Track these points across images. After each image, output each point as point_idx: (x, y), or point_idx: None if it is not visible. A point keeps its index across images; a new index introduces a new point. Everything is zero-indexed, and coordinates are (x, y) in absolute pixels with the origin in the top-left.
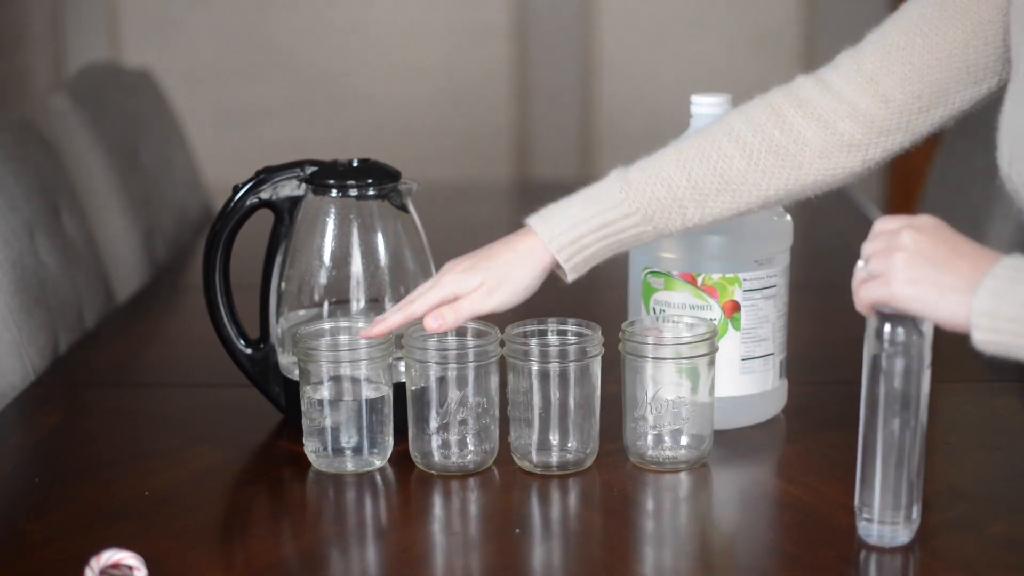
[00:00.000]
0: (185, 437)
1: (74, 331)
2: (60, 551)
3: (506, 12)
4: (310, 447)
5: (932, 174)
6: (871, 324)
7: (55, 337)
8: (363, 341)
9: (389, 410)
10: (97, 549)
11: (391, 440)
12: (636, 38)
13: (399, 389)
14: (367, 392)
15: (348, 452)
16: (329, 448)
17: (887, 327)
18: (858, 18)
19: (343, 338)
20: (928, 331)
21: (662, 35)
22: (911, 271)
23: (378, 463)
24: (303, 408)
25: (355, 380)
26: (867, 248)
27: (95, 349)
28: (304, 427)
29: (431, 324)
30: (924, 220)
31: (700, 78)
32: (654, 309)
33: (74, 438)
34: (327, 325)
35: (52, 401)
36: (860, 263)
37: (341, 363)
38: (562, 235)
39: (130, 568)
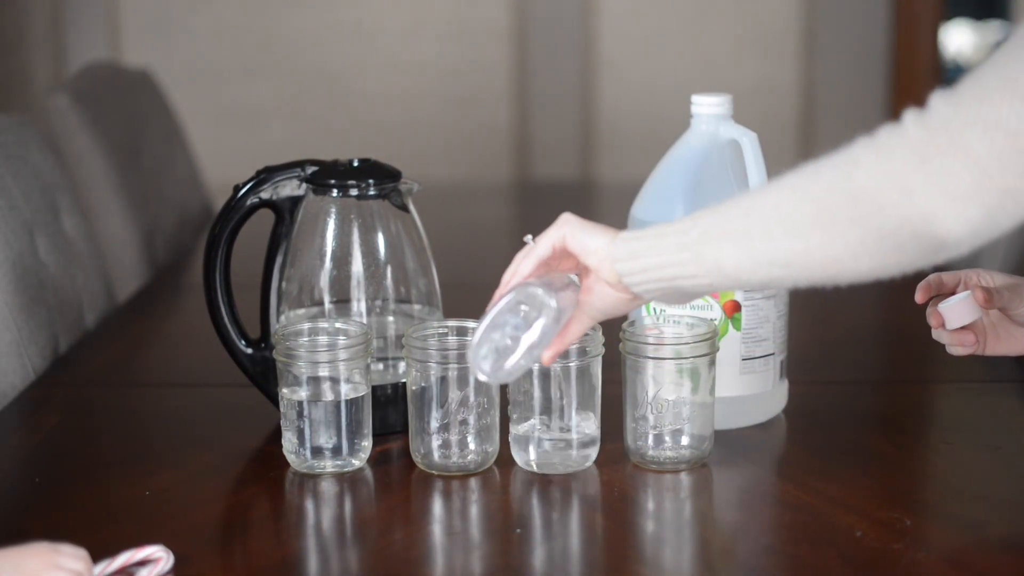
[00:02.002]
0: (185, 437)
1: (74, 331)
2: None
3: (506, 12)
4: (288, 448)
5: None
6: None
7: (55, 337)
8: (341, 341)
9: (368, 410)
10: (97, 549)
11: (370, 441)
12: (636, 38)
13: (378, 390)
14: (346, 392)
15: (327, 453)
16: (308, 449)
17: None
18: (858, 18)
19: (321, 338)
20: None
21: (662, 35)
22: (576, 216)
23: (357, 463)
24: (281, 409)
25: (334, 380)
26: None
27: (95, 349)
28: (283, 428)
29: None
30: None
31: (700, 78)
32: (655, 309)
33: (74, 438)
34: (305, 325)
35: (52, 401)
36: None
37: (319, 363)
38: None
39: (141, 563)
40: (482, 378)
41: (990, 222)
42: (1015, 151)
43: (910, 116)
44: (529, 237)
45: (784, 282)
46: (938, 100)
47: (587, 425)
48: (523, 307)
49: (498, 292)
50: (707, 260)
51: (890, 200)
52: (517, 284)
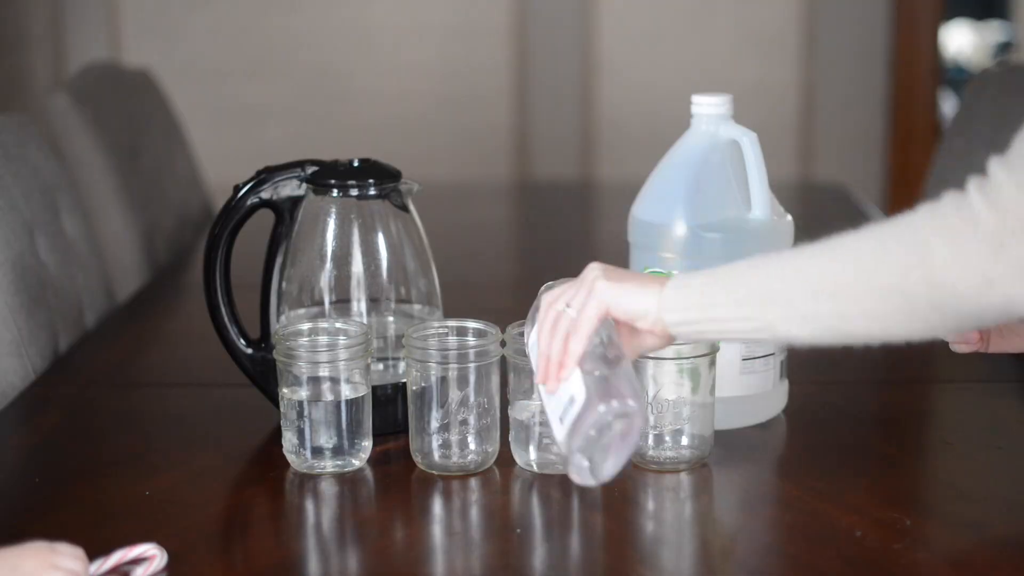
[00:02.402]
0: (185, 437)
1: (74, 331)
2: None
3: (506, 12)
4: (288, 448)
5: (932, 174)
6: None
7: (55, 337)
8: (341, 341)
9: (368, 410)
10: (97, 549)
11: (370, 441)
12: (636, 38)
13: (379, 390)
14: (346, 392)
15: (327, 453)
16: (308, 449)
17: None
18: (858, 18)
19: (321, 338)
20: None
21: (662, 35)
22: (608, 278)
23: (357, 463)
24: (281, 409)
25: (334, 380)
26: (549, 299)
27: (95, 349)
28: (283, 428)
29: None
30: (594, 264)
31: (700, 78)
32: None
33: (74, 438)
34: (305, 325)
35: (52, 401)
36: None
37: (319, 363)
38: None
39: (136, 561)
40: (590, 484)
41: None
42: None
43: (975, 193)
44: (551, 285)
45: (851, 345)
46: (999, 171)
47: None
48: (613, 422)
49: (543, 372)
50: (778, 332)
51: (971, 289)
52: (597, 385)
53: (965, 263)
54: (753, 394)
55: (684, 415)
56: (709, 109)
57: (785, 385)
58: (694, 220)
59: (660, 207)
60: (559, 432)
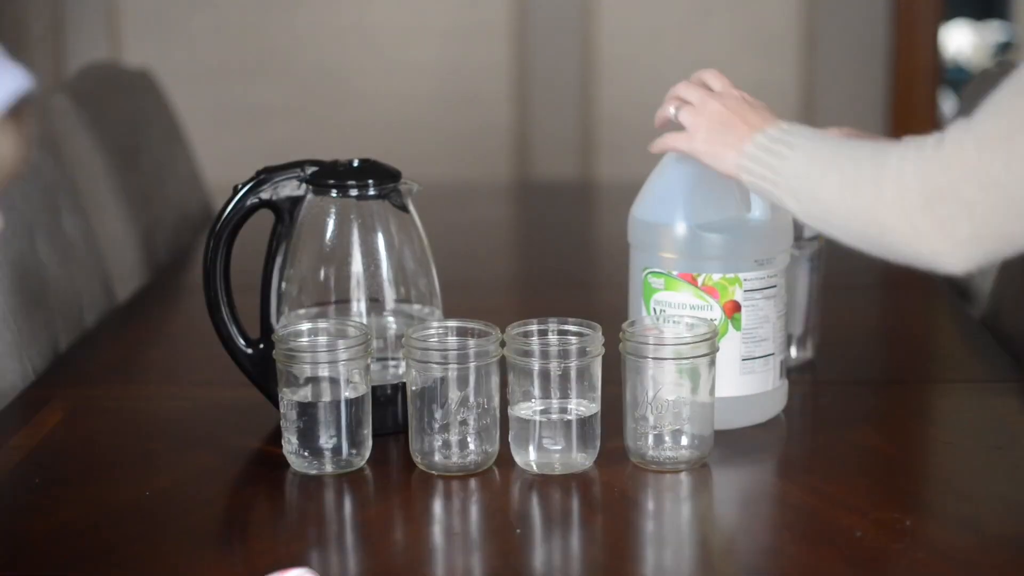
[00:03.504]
0: (185, 437)
1: (74, 331)
2: (60, 552)
3: (506, 12)
4: (288, 448)
5: None
6: None
7: (55, 337)
8: (341, 343)
9: (368, 410)
10: (97, 549)
11: (370, 441)
12: (636, 38)
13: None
14: (346, 393)
15: (327, 453)
16: (308, 449)
17: None
18: (858, 18)
19: (321, 339)
20: None
21: (662, 35)
22: (710, 134)
23: (357, 464)
24: (281, 410)
25: (334, 381)
26: (681, 92)
27: (95, 349)
28: (283, 428)
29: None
30: (730, 93)
31: None
32: (655, 309)
33: (74, 438)
34: (305, 325)
35: (52, 401)
36: (671, 109)
37: (319, 364)
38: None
39: None
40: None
41: (990, 259)
42: (1009, 202)
43: (931, 147)
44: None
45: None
46: (955, 132)
47: (585, 408)
48: None
49: None
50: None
51: (902, 234)
52: None
53: (901, 209)
54: (753, 394)
55: (684, 415)
56: None
57: (785, 385)
58: (694, 220)
59: (660, 207)
60: None
